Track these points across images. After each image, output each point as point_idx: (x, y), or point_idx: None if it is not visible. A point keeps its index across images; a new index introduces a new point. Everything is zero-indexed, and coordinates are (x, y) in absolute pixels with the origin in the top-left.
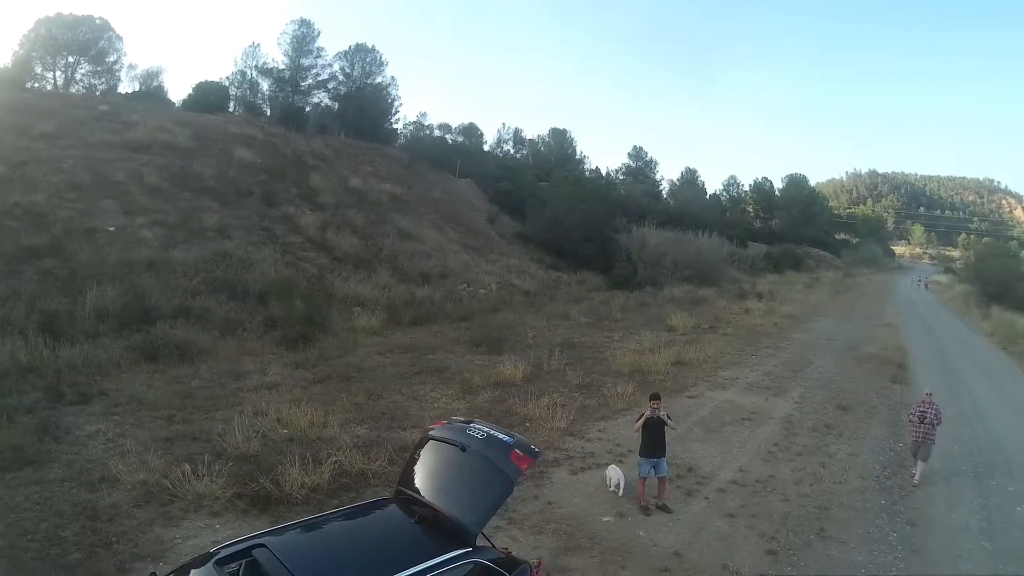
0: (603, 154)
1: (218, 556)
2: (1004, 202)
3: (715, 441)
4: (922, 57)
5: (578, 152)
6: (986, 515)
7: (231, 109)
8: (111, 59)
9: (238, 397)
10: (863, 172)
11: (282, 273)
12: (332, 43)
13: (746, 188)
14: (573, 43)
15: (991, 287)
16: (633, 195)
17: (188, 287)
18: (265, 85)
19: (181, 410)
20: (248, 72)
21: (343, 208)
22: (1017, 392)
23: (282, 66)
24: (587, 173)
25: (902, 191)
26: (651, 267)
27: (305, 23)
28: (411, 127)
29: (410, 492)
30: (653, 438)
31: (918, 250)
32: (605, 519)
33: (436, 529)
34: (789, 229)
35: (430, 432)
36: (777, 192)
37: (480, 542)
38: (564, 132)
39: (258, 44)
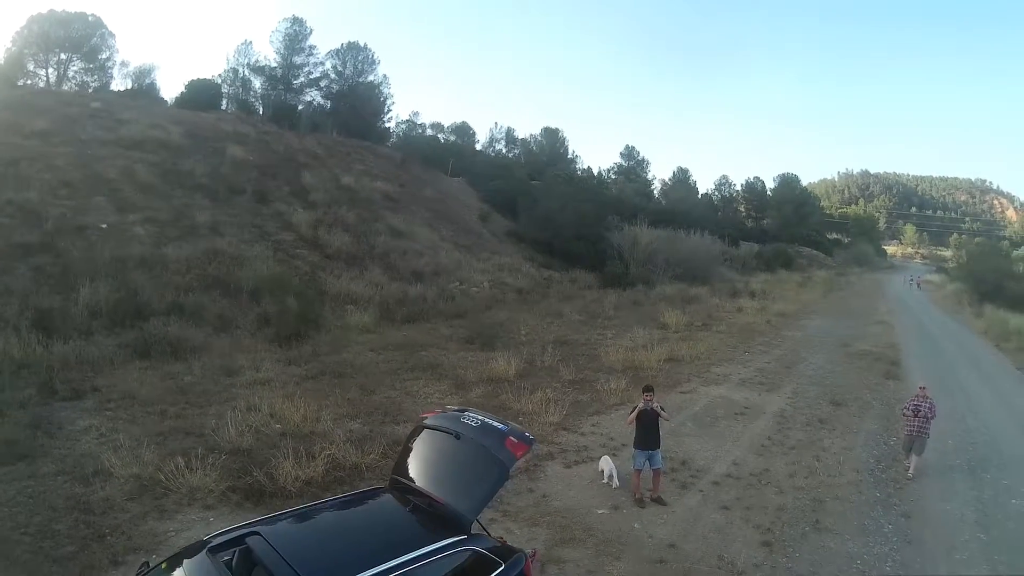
0: (595, 153)
1: (211, 544)
2: (996, 202)
3: (709, 435)
4: (914, 58)
5: (570, 151)
6: (981, 507)
7: (223, 107)
8: (104, 56)
9: (231, 393)
10: (855, 172)
11: (275, 270)
12: (324, 41)
13: (738, 188)
14: (565, 43)
15: (983, 286)
16: (625, 194)
17: (181, 284)
18: (257, 83)
19: (174, 406)
20: (240, 70)
21: (335, 206)
22: (1010, 388)
23: (274, 64)
24: (579, 172)
25: (894, 191)
26: (643, 266)
27: (297, 21)
28: (403, 126)
29: (404, 480)
30: (647, 430)
31: (910, 250)
32: (600, 511)
33: (431, 517)
34: (781, 229)
35: (424, 421)
36: (769, 192)
37: (475, 531)
38: (556, 131)
39: (251, 42)
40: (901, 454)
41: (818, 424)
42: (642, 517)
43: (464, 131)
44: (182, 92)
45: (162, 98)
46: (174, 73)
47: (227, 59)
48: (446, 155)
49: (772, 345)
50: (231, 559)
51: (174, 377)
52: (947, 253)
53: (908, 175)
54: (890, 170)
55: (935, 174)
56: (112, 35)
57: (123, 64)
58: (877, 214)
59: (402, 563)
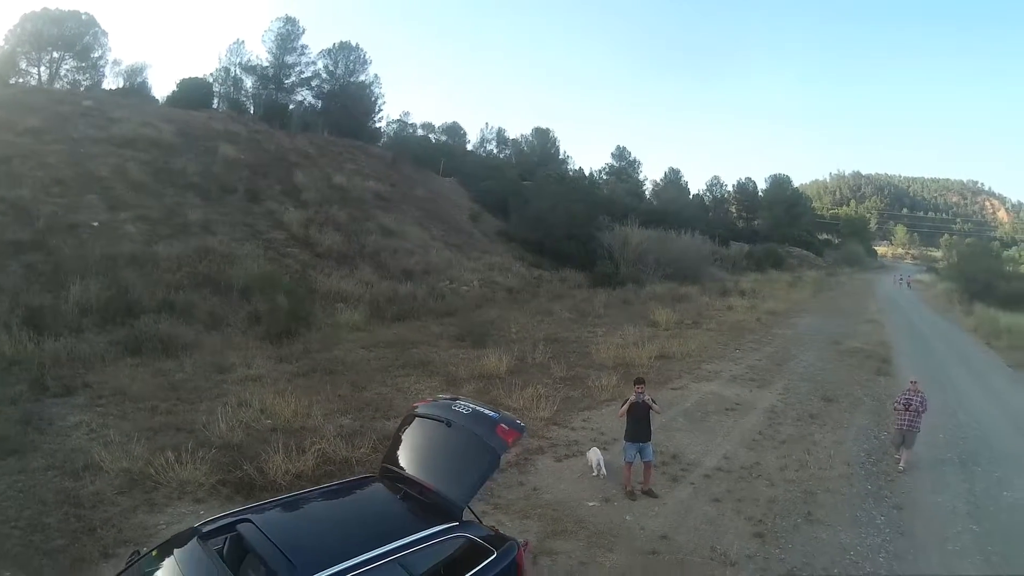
0: (586, 154)
1: (202, 531)
2: (987, 203)
3: (700, 430)
4: (908, 59)
5: (561, 152)
6: (972, 499)
7: (215, 106)
8: (96, 55)
9: (222, 389)
10: (847, 173)
11: (265, 268)
12: (316, 41)
13: (729, 188)
14: (557, 43)
15: (974, 285)
16: (616, 194)
17: (172, 282)
18: (249, 82)
19: (165, 402)
20: (232, 69)
21: (326, 205)
22: (1000, 383)
23: (266, 63)
24: (570, 173)
25: (886, 192)
26: (633, 265)
27: (290, 20)
28: (394, 126)
29: (396, 469)
30: (638, 422)
31: (900, 250)
32: (591, 504)
33: (422, 504)
34: (772, 229)
35: (415, 409)
36: (760, 192)
37: (467, 519)
38: (547, 132)
39: (242, 41)
40: (891, 448)
41: (809, 419)
42: (633, 509)
43: (455, 131)
44: (173, 91)
45: (154, 97)
46: (166, 72)
47: (219, 58)
48: (437, 155)
49: (763, 343)
50: (222, 546)
51: (165, 374)
52: (937, 254)
53: (900, 176)
54: (882, 171)
55: (927, 175)
56: (105, 33)
57: (115, 63)
58: (868, 215)
59: (393, 549)
